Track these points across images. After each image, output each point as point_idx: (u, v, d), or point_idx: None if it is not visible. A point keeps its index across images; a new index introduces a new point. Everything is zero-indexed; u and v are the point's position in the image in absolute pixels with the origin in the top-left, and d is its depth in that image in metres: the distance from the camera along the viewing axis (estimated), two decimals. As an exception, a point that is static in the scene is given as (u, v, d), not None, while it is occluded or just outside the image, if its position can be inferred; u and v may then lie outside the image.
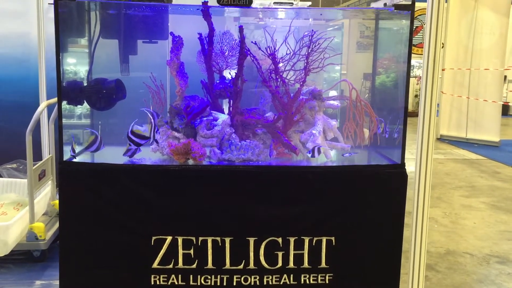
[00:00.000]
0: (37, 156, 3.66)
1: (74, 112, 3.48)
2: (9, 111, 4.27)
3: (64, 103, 2.44)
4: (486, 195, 5.49)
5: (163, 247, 2.38)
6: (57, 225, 3.05)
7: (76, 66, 3.25)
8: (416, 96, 11.16)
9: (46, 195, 3.59)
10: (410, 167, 2.48)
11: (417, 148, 2.43)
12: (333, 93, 2.96)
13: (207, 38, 2.61)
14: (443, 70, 8.73)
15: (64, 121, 2.38)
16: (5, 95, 4.29)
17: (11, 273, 3.24)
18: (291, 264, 2.43)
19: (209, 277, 2.41)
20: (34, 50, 3.90)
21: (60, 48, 2.27)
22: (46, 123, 3.81)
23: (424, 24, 2.35)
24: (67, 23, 2.46)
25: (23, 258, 3.36)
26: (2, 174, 3.99)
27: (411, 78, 10.62)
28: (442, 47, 8.65)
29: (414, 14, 2.47)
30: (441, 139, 8.91)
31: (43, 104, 3.37)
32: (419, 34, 10.28)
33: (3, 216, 3.41)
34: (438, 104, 9.03)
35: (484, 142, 8.46)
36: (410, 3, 2.39)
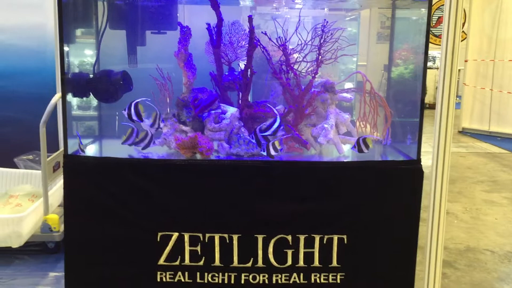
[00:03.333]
0: (55, 147, 3.66)
1: (91, 104, 3.46)
2: (27, 102, 4.25)
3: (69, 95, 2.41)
4: (509, 190, 5.37)
5: (169, 244, 2.34)
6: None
7: (87, 57, 3.22)
8: (437, 88, 10.95)
9: (61, 186, 3.55)
10: (428, 160, 2.40)
11: (434, 141, 2.35)
12: (348, 85, 2.88)
13: (215, 29, 2.54)
14: (465, 61, 8.55)
15: (79, 112, 2.34)
16: (22, 86, 4.28)
17: (25, 265, 3.27)
18: (301, 263, 2.37)
19: (217, 275, 2.36)
20: (50, 41, 3.88)
21: (63, 38, 2.23)
22: (61, 113, 3.79)
23: (444, 15, 2.26)
24: (72, 12, 2.42)
25: (38, 249, 3.38)
26: (18, 165, 4.00)
27: (432, 70, 10.48)
28: (465, 38, 8.46)
29: (433, 2, 2.37)
30: (463, 132, 8.75)
31: (57, 96, 3.34)
32: (441, 24, 10.06)
33: (18, 207, 3.41)
34: (459, 96, 8.89)
35: (508, 135, 8.29)
36: (428, -10, 2.29)
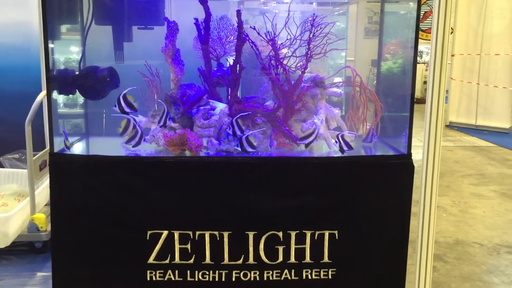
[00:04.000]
0: (41, 146, 3.62)
1: (77, 101, 3.42)
2: (12, 100, 4.19)
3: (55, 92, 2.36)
4: (496, 183, 5.41)
5: (159, 242, 2.30)
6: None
7: (73, 54, 3.17)
8: (424, 82, 11.01)
9: (48, 185, 3.53)
10: (418, 154, 2.40)
11: (424, 136, 2.34)
12: (337, 80, 2.86)
13: (203, 24, 2.51)
14: (452, 55, 8.61)
15: (65, 110, 2.29)
16: (7, 84, 4.22)
17: (12, 265, 3.24)
18: (292, 259, 2.35)
19: (207, 273, 2.33)
20: (35, 38, 3.82)
21: (47, 35, 2.18)
22: (47, 111, 3.73)
23: (433, 9, 2.25)
24: (57, 8, 2.37)
25: (25, 249, 3.35)
26: (4, 165, 3.94)
27: (419, 64, 10.54)
28: (451, 32, 8.52)
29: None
30: (450, 126, 8.81)
31: (42, 94, 3.29)
32: (428, 19, 10.12)
33: (4, 207, 3.35)
34: (447, 91, 8.95)
35: (494, 129, 8.36)
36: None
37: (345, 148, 2.43)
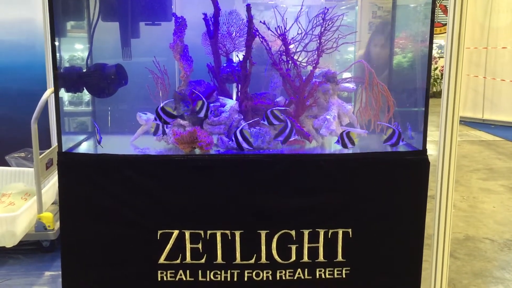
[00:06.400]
0: (47, 144, 3.61)
1: (82, 99, 3.39)
2: (16, 99, 4.20)
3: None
4: (505, 178, 5.38)
5: (170, 242, 2.27)
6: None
7: (77, 52, 3.14)
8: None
9: (55, 184, 3.53)
10: (429, 150, 2.36)
11: (440, 131, 2.31)
12: (347, 75, 2.82)
13: (212, 19, 2.46)
14: (458, 49, 8.56)
15: (70, 108, 2.27)
16: (12, 82, 4.22)
17: (20, 264, 3.25)
18: (306, 258, 2.31)
19: (219, 273, 2.30)
20: (39, 36, 3.81)
21: (54, 32, 2.14)
22: (53, 110, 3.71)
23: (449, 2, 2.22)
24: (63, 5, 2.33)
25: (33, 248, 3.35)
26: (10, 163, 3.93)
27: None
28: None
29: (435, -12, 2.32)
30: (457, 120, 8.77)
31: (48, 91, 3.27)
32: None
33: (11, 206, 3.35)
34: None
35: (501, 123, 8.32)
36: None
37: (349, 145, 2.38)
